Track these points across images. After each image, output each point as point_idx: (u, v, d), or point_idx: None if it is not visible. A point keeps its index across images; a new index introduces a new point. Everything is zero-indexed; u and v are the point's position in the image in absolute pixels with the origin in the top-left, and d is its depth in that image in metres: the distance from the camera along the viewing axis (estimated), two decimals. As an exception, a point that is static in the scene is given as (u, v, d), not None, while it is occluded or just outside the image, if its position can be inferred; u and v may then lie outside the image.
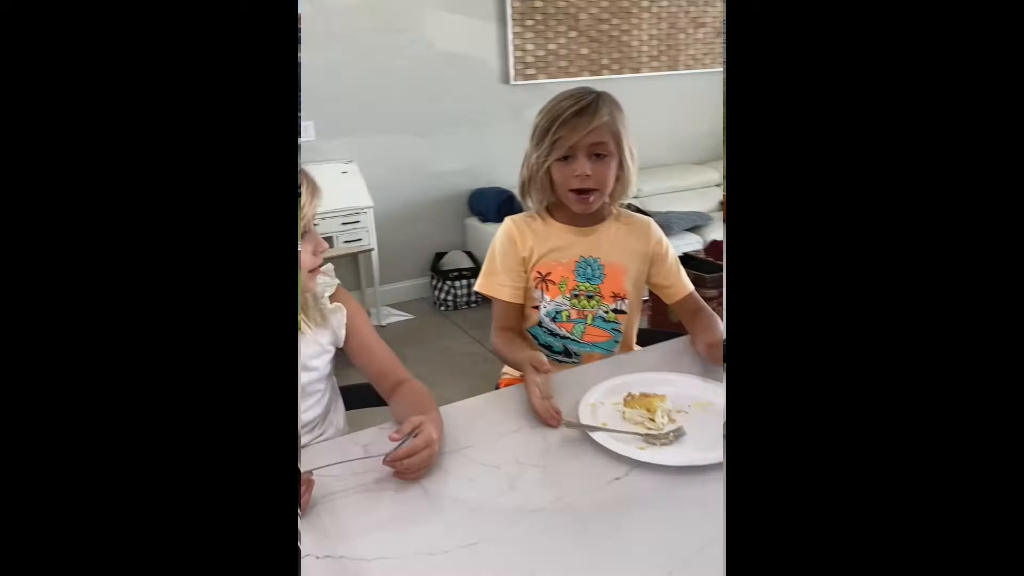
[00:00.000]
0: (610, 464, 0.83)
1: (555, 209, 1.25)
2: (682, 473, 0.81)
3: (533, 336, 1.31)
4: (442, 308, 3.48)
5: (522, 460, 0.85)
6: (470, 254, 3.63)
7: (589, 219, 1.24)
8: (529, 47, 3.64)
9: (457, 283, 3.46)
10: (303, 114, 2.39)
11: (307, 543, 0.71)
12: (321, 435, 1.02)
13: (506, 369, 1.36)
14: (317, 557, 0.69)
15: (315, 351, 0.99)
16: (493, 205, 3.50)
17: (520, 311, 1.26)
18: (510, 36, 3.57)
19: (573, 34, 3.74)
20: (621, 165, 1.18)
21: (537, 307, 1.26)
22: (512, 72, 3.62)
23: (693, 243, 3.38)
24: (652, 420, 0.91)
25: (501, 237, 1.26)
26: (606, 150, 1.15)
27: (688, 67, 4.14)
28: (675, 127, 4.23)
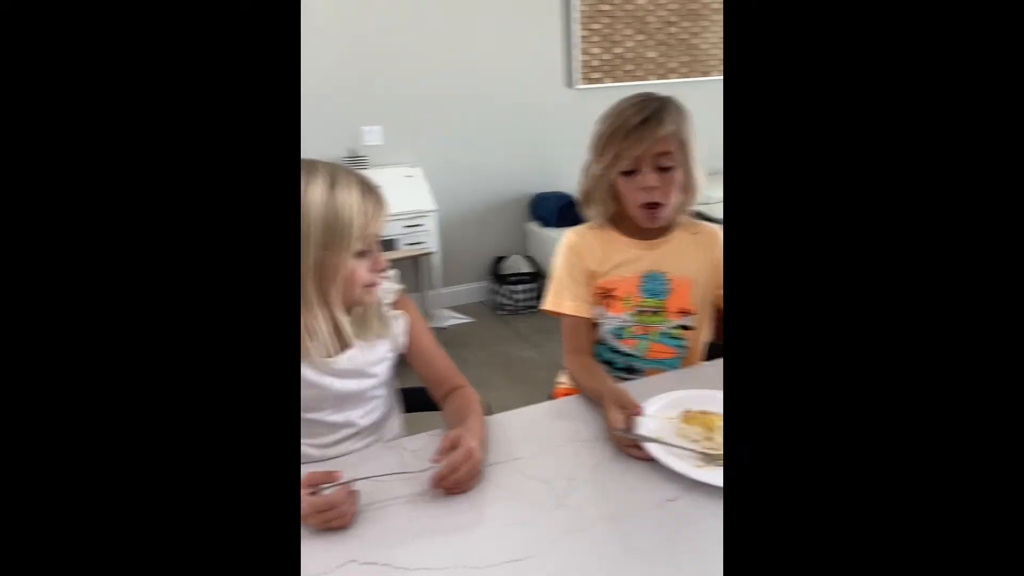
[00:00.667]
0: (663, 485, 0.80)
1: (619, 220, 1.21)
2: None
3: (597, 354, 1.28)
4: (500, 312, 3.48)
5: (572, 476, 0.82)
6: (530, 258, 3.62)
7: (655, 231, 1.19)
8: (595, 50, 3.60)
9: (516, 287, 3.45)
10: (373, 119, 2.45)
11: (351, 549, 0.70)
12: (376, 440, 1.02)
13: (562, 377, 1.33)
14: (359, 563, 0.69)
15: (376, 358, 0.99)
16: (554, 210, 3.48)
17: (589, 329, 1.21)
18: (576, 39, 3.54)
19: (641, 37, 3.68)
20: (688, 175, 1.13)
21: (598, 324, 1.23)
22: (577, 76, 3.59)
23: (761, 252, 3.27)
24: (710, 439, 0.86)
25: (566, 252, 1.22)
26: (672, 160, 1.10)
27: (760, 70, 4.02)
28: (745, 132, 4.11)
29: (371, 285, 0.93)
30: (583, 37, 3.55)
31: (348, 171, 0.91)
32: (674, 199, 1.13)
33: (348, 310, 0.93)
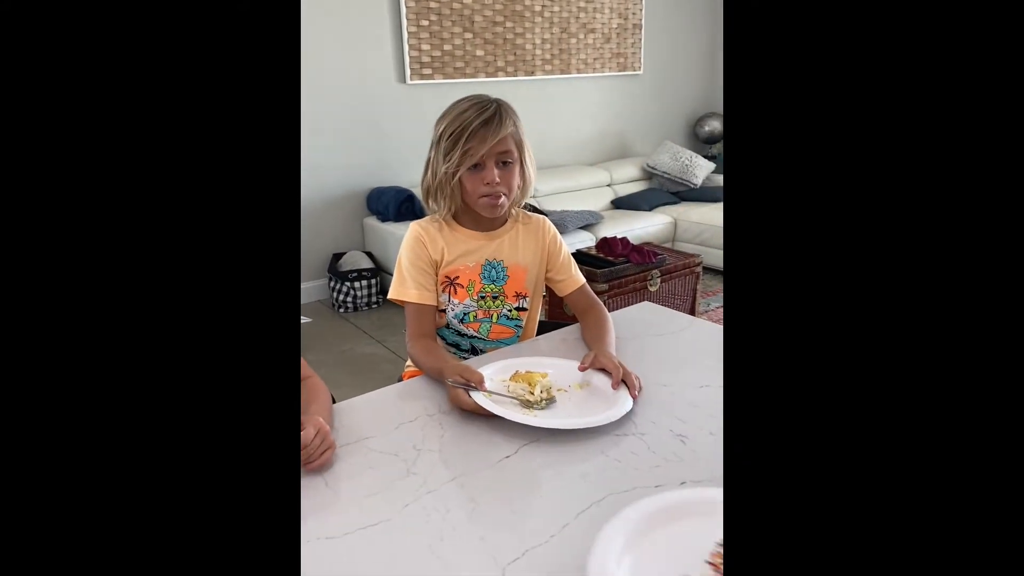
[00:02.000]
0: (499, 446, 0.89)
1: (461, 215, 1.30)
2: (567, 451, 0.88)
3: (441, 337, 1.35)
4: (341, 310, 3.44)
5: (420, 447, 0.89)
6: (369, 254, 3.60)
7: (493, 223, 1.30)
8: (425, 47, 3.66)
9: (356, 284, 3.42)
10: None
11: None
12: None
13: (409, 363, 1.40)
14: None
15: None
16: (392, 204, 3.49)
17: (433, 315, 1.29)
18: (405, 36, 3.57)
19: (468, 35, 3.79)
20: (523, 170, 1.25)
21: (444, 310, 1.31)
22: (408, 72, 3.63)
23: (586, 240, 3.52)
24: (531, 392, 1.00)
25: (410, 242, 1.28)
26: (511, 157, 1.21)
27: (579, 71, 4.30)
28: (568, 129, 4.38)
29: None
30: (412, 33, 3.59)
31: None
32: (513, 192, 1.24)
33: None
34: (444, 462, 0.84)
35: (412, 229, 1.29)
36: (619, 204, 4.15)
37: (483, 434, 0.92)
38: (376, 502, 0.77)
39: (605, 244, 3.02)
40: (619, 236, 3.07)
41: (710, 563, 0.63)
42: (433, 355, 1.15)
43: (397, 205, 3.47)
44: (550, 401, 1.00)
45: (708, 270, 3.82)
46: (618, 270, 2.81)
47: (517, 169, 1.23)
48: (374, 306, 3.47)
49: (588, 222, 3.70)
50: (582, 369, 1.09)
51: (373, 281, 3.47)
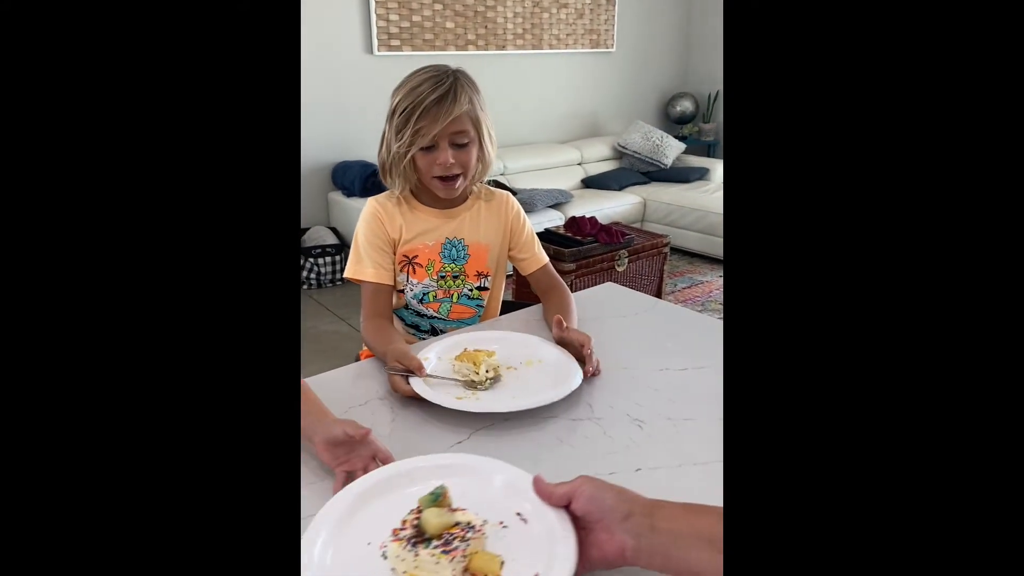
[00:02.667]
0: (452, 430, 0.86)
1: (419, 192, 1.24)
2: (520, 436, 0.85)
3: (400, 317, 1.31)
4: (304, 286, 3.37)
5: (372, 430, 0.85)
6: (334, 230, 3.53)
7: (453, 201, 1.25)
8: (393, 17, 3.56)
9: (320, 260, 3.36)
10: None
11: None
12: None
13: (365, 349, 1.36)
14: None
15: None
16: (358, 179, 3.42)
17: (389, 294, 1.24)
18: (372, 5, 3.47)
19: (438, 7, 3.70)
20: (481, 147, 1.19)
21: (403, 290, 1.27)
22: (376, 42, 3.53)
23: (555, 219, 3.50)
24: (476, 372, 0.96)
25: (368, 220, 1.23)
26: (467, 137, 1.15)
27: (551, 47, 4.24)
28: (539, 106, 4.32)
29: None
30: (379, 3, 3.50)
31: None
32: (470, 172, 1.19)
33: None
34: (393, 449, 0.80)
35: (369, 205, 1.24)
36: (589, 183, 4.13)
37: (435, 419, 0.89)
38: (317, 491, 0.74)
39: (573, 223, 2.99)
40: (588, 215, 3.05)
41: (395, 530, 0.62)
42: (381, 336, 1.11)
43: (363, 180, 3.40)
44: (495, 380, 0.97)
45: (676, 251, 3.83)
46: (586, 250, 2.79)
47: (475, 148, 1.17)
48: (338, 283, 3.40)
49: (557, 201, 3.67)
50: (557, 337, 1.07)
51: (337, 258, 3.40)
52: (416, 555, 0.58)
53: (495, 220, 1.29)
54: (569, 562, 0.58)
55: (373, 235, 1.22)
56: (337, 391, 0.96)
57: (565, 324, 1.08)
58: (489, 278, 1.29)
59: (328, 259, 3.38)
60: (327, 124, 3.52)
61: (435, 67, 1.16)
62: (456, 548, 0.59)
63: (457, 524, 0.61)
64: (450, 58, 3.78)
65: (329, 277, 3.40)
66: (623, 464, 0.79)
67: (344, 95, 3.53)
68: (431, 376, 0.96)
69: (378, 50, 3.55)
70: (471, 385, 0.95)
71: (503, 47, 4.01)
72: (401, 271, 1.25)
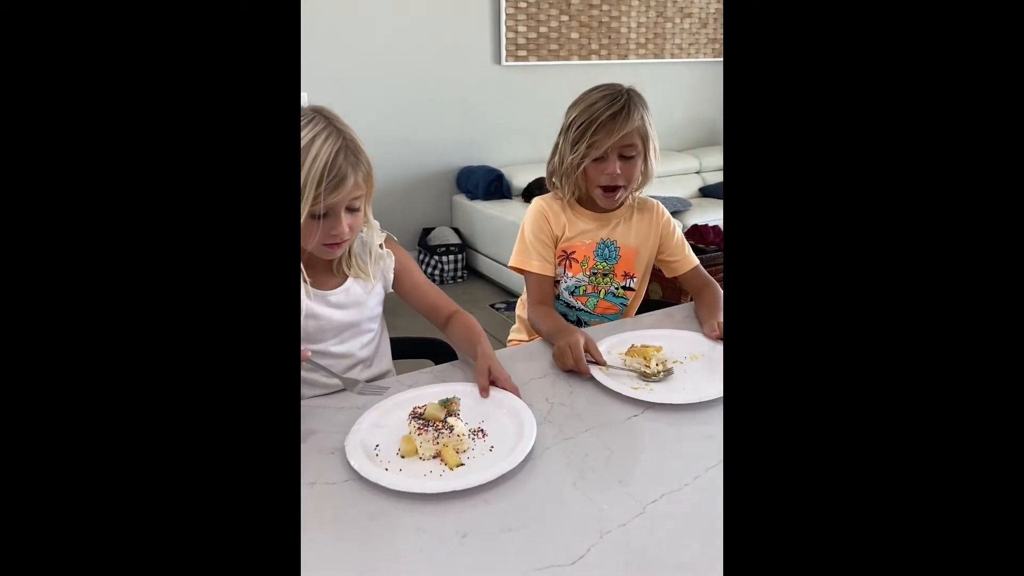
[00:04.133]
0: (626, 406, 0.95)
1: (582, 197, 1.36)
2: (690, 415, 0.93)
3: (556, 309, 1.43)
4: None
5: (552, 400, 0.96)
6: (456, 230, 3.71)
7: (610, 206, 1.36)
8: (521, 29, 3.71)
9: (444, 258, 3.54)
10: (302, 87, 2.41)
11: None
12: (371, 368, 1.14)
13: (513, 334, 1.48)
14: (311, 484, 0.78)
15: (368, 292, 1.10)
16: (482, 183, 3.57)
17: (552, 285, 1.36)
18: (503, 17, 3.63)
19: (564, 18, 3.82)
20: (646, 160, 1.30)
21: (558, 282, 1.38)
22: (504, 53, 3.69)
23: (674, 226, 3.52)
24: (648, 366, 1.04)
25: (534, 216, 1.36)
26: (635, 151, 1.27)
27: (673, 56, 4.26)
28: (659, 114, 4.33)
29: (331, 245, 0.99)
30: (509, 15, 3.65)
31: (338, 131, 0.97)
32: (632, 185, 1.30)
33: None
34: (577, 415, 0.90)
35: (536, 203, 1.37)
36: (707, 192, 4.11)
37: (606, 397, 0.98)
38: (316, 493, 0.78)
39: (696, 231, 3.01)
40: (710, 224, 3.06)
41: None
42: (551, 320, 1.22)
43: (486, 184, 3.55)
44: (667, 373, 1.05)
45: (796, 263, 3.74)
46: (709, 258, 2.80)
47: (639, 161, 1.28)
48: (459, 280, 3.58)
49: (676, 209, 3.68)
50: (712, 337, 1.14)
51: (460, 256, 3.57)
52: (409, 424, 0.84)
53: (646, 227, 1.38)
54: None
55: (539, 230, 1.34)
56: (513, 366, 1.07)
57: (717, 322, 1.15)
58: (635, 280, 1.38)
59: (451, 257, 3.56)
60: (454, 129, 3.70)
61: (610, 86, 1.28)
62: (433, 435, 0.81)
63: (445, 422, 0.83)
64: (573, 67, 3.89)
65: (451, 274, 3.57)
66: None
67: (472, 102, 3.71)
68: (611, 367, 1.05)
69: (506, 60, 3.71)
70: (644, 376, 1.03)
71: (625, 56, 4.08)
72: (559, 264, 1.36)
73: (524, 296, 1.41)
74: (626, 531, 0.69)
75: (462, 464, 0.81)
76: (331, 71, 3.21)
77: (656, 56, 4.19)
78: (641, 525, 0.70)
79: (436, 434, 0.82)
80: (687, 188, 4.08)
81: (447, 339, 1.17)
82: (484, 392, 0.95)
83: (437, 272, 3.55)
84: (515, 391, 0.94)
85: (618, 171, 1.26)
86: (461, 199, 3.73)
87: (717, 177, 4.28)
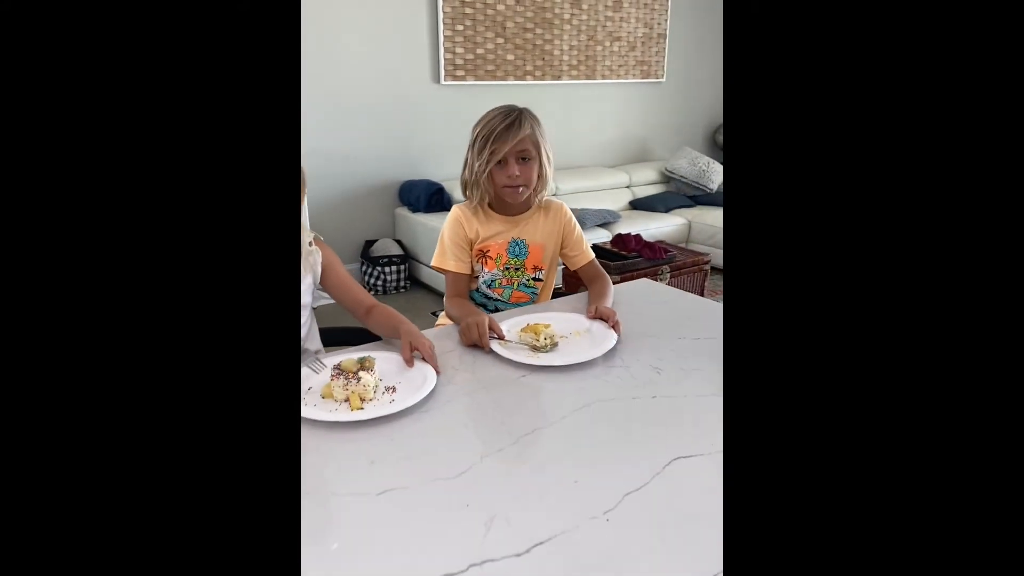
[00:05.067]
0: (516, 369, 1.15)
1: (494, 203, 1.58)
2: (568, 375, 1.13)
3: (471, 299, 1.63)
4: (372, 292, 3.71)
5: (456, 367, 1.15)
6: (399, 242, 3.86)
7: (518, 209, 1.58)
8: (459, 50, 3.92)
9: (387, 268, 3.69)
10: None
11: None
12: (304, 350, 1.33)
13: (440, 319, 1.68)
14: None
15: (301, 285, 1.28)
16: (423, 196, 3.74)
17: (466, 281, 1.58)
18: (441, 39, 3.84)
19: (500, 40, 4.05)
20: (541, 166, 1.52)
21: (477, 277, 1.58)
22: (443, 72, 3.90)
23: (603, 237, 3.75)
24: (537, 340, 1.25)
25: (451, 222, 1.58)
26: (529, 155, 1.49)
27: (604, 77, 4.55)
28: (591, 132, 4.63)
29: None
30: (447, 37, 3.86)
31: None
32: (531, 183, 1.51)
33: None
34: (477, 379, 1.10)
35: (454, 211, 1.58)
36: (636, 205, 4.39)
37: (501, 364, 1.18)
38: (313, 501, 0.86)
39: (619, 240, 3.25)
40: (633, 233, 3.31)
41: None
42: (463, 308, 1.42)
43: (428, 197, 3.72)
44: (554, 346, 1.25)
45: (716, 270, 4.04)
46: (629, 264, 3.04)
47: (535, 165, 1.51)
48: (402, 290, 3.73)
49: (606, 220, 3.93)
50: (589, 317, 1.35)
51: (402, 267, 3.73)
52: (328, 374, 1.06)
53: (551, 226, 1.60)
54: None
55: (455, 234, 1.55)
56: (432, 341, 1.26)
57: (595, 307, 1.37)
58: (543, 271, 1.60)
59: (394, 268, 3.71)
60: (396, 146, 3.88)
61: (505, 106, 1.52)
62: (343, 383, 1.01)
63: (355, 373, 1.02)
64: (509, 87, 4.12)
65: (394, 284, 3.73)
66: (643, 393, 1.06)
67: (412, 120, 3.89)
68: (508, 341, 1.25)
69: (444, 79, 3.91)
70: (535, 349, 1.24)
71: (559, 77, 4.34)
72: (477, 262, 1.56)
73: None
74: (502, 455, 0.88)
75: (362, 408, 0.99)
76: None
77: (588, 77, 4.47)
78: (513, 452, 0.89)
79: (346, 382, 1.01)
80: (618, 201, 4.35)
81: (370, 328, 1.35)
82: (409, 363, 1.13)
83: (380, 283, 3.70)
84: (433, 360, 1.12)
85: (517, 172, 1.48)
86: (403, 212, 3.89)
87: (646, 191, 4.57)
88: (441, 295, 3.64)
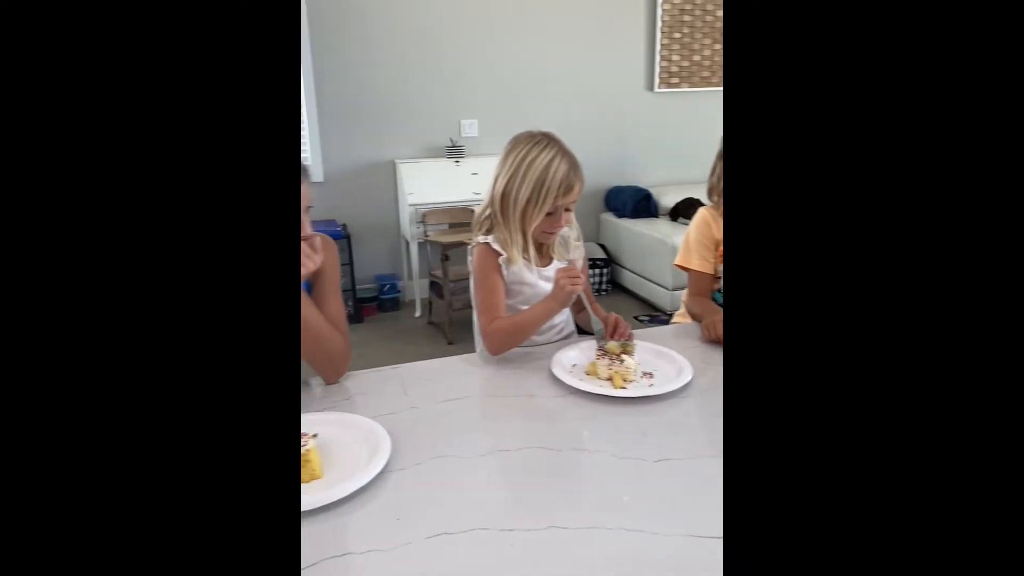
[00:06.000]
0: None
1: None
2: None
3: (714, 300, 1.64)
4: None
5: (706, 362, 1.17)
6: (603, 246, 3.92)
7: None
8: (675, 57, 3.91)
9: (591, 271, 3.76)
10: (468, 112, 2.84)
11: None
12: (568, 327, 1.43)
13: (675, 319, 1.71)
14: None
15: None
16: (630, 202, 3.76)
17: (709, 281, 1.59)
18: (658, 47, 3.85)
19: (718, 47, 3.97)
20: None
21: (719, 278, 1.59)
22: (657, 80, 3.91)
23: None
24: None
25: (699, 223, 1.59)
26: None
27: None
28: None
29: (549, 234, 1.31)
30: (664, 45, 3.86)
31: (567, 153, 1.27)
32: None
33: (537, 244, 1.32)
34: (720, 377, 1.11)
35: (700, 212, 1.60)
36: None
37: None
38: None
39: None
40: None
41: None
42: (704, 306, 1.44)
43: (634, 203, 3.74)
44: None
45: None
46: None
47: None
48: (603, 293, 3.79)
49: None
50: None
51: (605, 271, 3.79)
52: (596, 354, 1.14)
53: None
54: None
55: (702, 235, 1.57)
56: (674, 340, 1.29)
57: None
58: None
59: (596, 271, 3.78)
60: (605, 152, 3.94)
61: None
62: (607, 363, 1.10)
63: (619, 355, 1.10)
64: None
65: (596, 288, 3.80)
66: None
67: (623, 126, 3.94)
68: None
69: (658, 87, 3.92)
70: None
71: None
72: (720, 263, 1.57)
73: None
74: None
75: (624, 388, 1.06)
76: (497, 97, 3.59)
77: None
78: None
79: (610, 363, 1.09)
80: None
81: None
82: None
83: (583, 283, 3.78)
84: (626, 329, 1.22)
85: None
86: (609, 217, 3.94)
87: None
88: (644, 301, 3.66)
